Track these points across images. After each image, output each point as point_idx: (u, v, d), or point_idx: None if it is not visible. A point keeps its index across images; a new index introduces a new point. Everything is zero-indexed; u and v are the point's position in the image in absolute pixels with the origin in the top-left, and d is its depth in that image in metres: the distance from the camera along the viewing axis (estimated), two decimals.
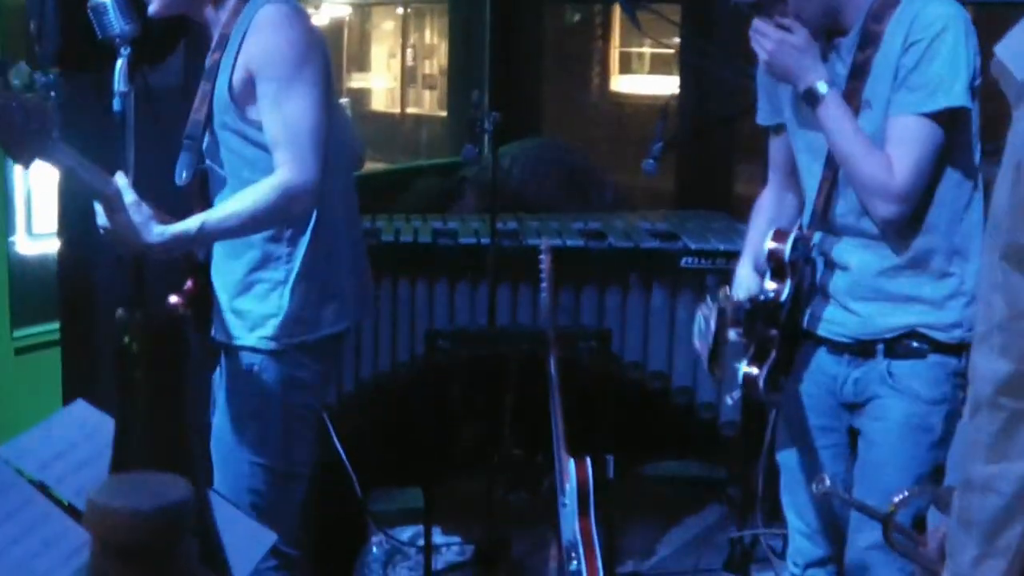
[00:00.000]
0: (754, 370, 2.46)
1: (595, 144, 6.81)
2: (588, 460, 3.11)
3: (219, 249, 2.64)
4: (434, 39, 8.34)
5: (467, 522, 4.03)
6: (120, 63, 2.44)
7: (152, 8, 2.53)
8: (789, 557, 2.76)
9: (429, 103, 8.34)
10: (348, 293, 2.69)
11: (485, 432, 3.97)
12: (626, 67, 7.92)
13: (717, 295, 2.48)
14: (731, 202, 5.10)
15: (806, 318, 2.53)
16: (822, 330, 2.53)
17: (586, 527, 3.06)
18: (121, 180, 2.39)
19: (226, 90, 2.52)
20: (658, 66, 7.80)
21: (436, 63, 8.12)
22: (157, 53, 3.05)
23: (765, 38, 2.41)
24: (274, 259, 2.60)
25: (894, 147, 2.35)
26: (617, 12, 7.15)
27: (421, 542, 3.75)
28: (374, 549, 3.95)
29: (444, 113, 7.15)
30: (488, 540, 3.87)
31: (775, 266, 2.46)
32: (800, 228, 2.50)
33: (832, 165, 2.45)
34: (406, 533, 4.01)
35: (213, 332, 2.66)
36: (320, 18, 7.13)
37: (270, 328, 2.59)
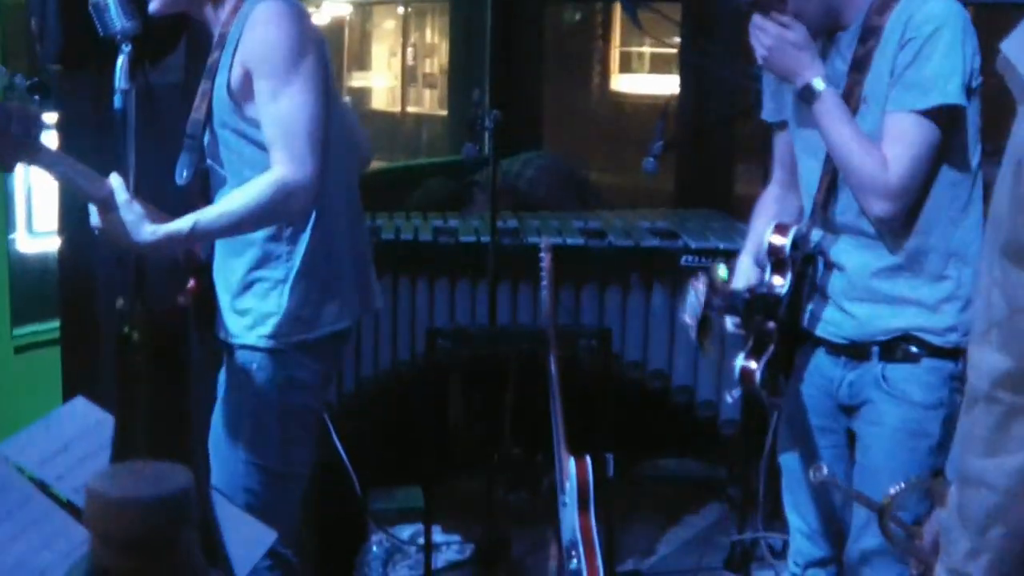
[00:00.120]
0: (752, 364, 2.46)
1: (595, 143, 6.82)
2: (588, 459, 3.11)
3: (220, 248, 2.64)
4: (435, 38, 8.35)
5: (467, 521, 4.04)
6: (121, 60, 2.43)
7: (152, 6, 2.53)
8: (790, 557, 2.76)
9: (430, 102, 8.35)
10: (349, 291, 2.68)
11: (485, 431, 3.97)
12: (626, 67, 7.94)
13: (709, 270, 2.46)
14: (731, 202, 5.11)
15: (806, 317, 2.53)
16: (820, 331, 2.53)
17: (586, 526, 3.06)
18: (115, 180, 2.37)
19: (225, 89, 2.51)
20: (658, 66, 7.81)
21: (437, 62, 8.13)
22: (158, 51, 3.04)
23: (764, 34, 2.41)
24: (274, 258, 2.59)
25: (889, 144, 2.35)
26: (617, 12, 7.16)
27: (421, 541, 3.75)
28: (374, 548, 3.95)
29: (444, 112, 7.15)
30: (488, 539, 3.87)
31: (776, 260, 2.46)
32: (801, 224, 2.50)
33: (831, 163, 2.45)
34: (406, 532, 4.01)
35: (217, 331, 2.66)
36: (321, 17, 7.14)
37: (270, 327, 2.59)
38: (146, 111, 2.53)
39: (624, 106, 7.75)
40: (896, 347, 2.44)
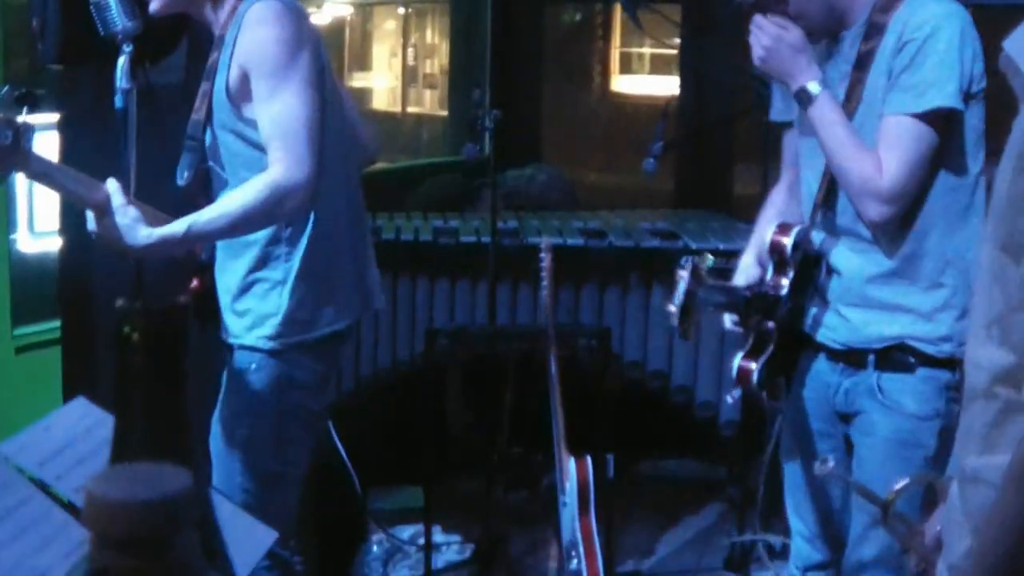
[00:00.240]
0: (750, 364, 2.45)
1: (595, 144, 6.82)
2: (588, 459, 3.12)
3: (221, 249, 2.64)
4: (435, 39, 8.35)
5: (467, 521, 4.04)
6: (122, 60, 2.43)
7: (153, 6, 2.53)
8: (791, 560, 2.76)
9: (430, 102, 8.35)
10: (350, 291, 2.68)
11: (485, 432, 3.97)
12: (626, 67, 7.93)
13: (696, 260, 2.45)
14: (730, 202, 5.11)
15: (808, 321, 2.52)
16: (821, 336, 2.51)
17: (586, 526, 3.06)
18: (111, 184, 2.37)
19: (223, 90, 2.51)
20: (658, 66, 7.80)
21: (437, 62, 8.13)
22: (159, 51, 3.04)
23: (763, 34, 2.40)
24: (273, 258, 2.59)
25: (884, 147, 2.33)
26: (618, 12, 7.16)
27: (421, 541, 3.75)
28: (374, 548, 3.96)
29: (445, 112, 7.15)
30: (488, 539, 3.87)
31: (778, 259, 2.45)
32: (803, 225, 2.49)
33: None
34: (406, 532, 4.01)
35: (220, 332, 2.66)
36: (322, 17, 7.13)
37: (269, 327, 2.59)
38: (147, 111, 2.53)
39: (624, 107, 7.74)
40: (891, 356, 2.41)
